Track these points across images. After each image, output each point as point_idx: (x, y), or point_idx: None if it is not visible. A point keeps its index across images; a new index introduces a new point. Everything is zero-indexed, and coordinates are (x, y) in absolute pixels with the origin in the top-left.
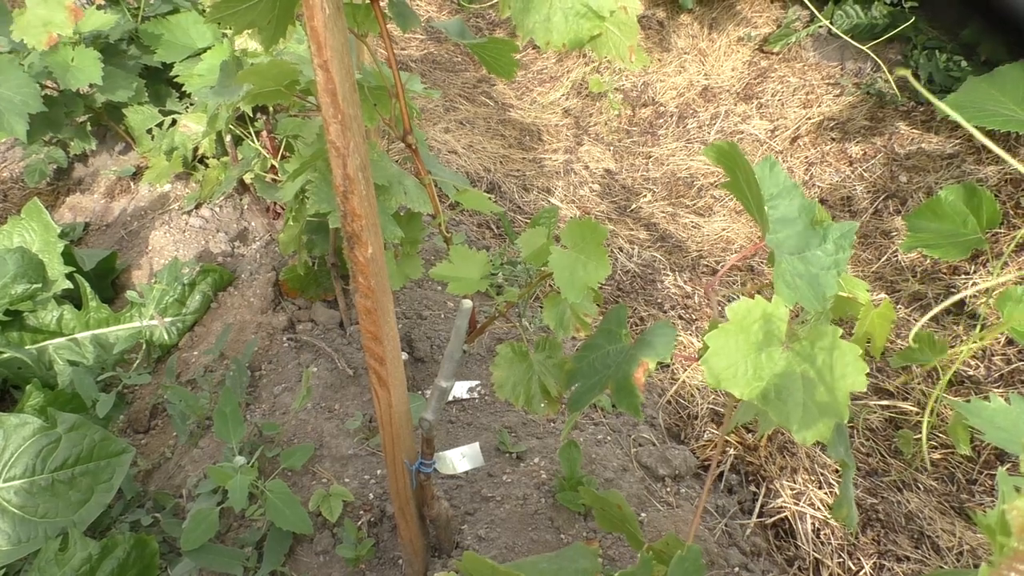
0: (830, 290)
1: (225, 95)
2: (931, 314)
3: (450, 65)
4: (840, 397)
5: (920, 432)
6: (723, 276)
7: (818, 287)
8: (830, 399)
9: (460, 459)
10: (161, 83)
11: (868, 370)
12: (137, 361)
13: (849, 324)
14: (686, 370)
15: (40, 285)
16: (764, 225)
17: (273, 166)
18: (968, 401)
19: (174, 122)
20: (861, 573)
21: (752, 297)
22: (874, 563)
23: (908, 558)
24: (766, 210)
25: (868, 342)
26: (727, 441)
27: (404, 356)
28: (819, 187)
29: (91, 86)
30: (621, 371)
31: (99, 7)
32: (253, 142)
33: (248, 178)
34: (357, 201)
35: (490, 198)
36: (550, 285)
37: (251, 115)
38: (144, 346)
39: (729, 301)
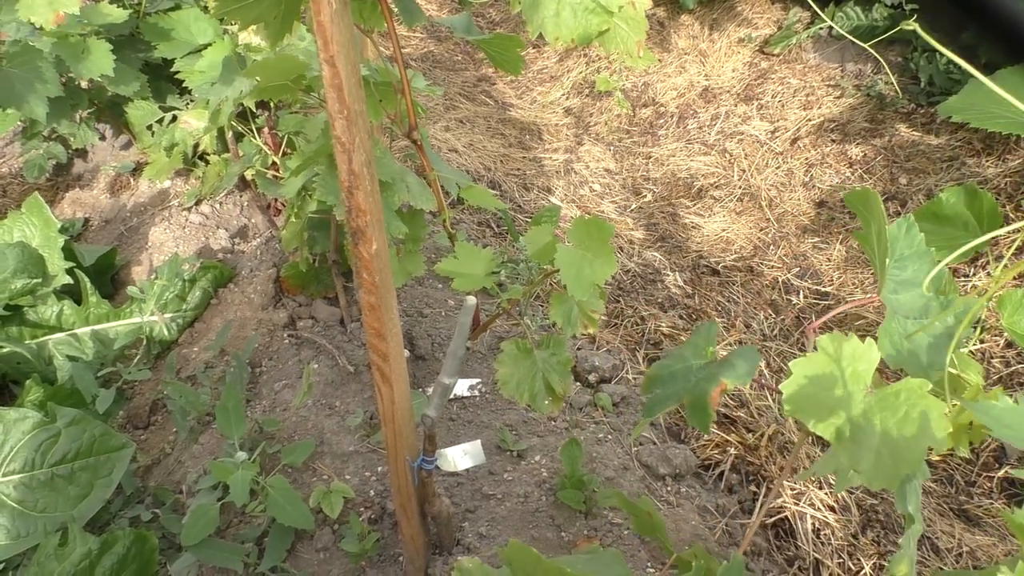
0: (940, 362)
1: (228, 90)
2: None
3: (450, 64)
4: (916, 450)
5: None
6: (711, 272)
7: (925, 356)
8: (905, 451)
9: (462, 456)
10: (162, 79)
11: (950, 429)
12: (137, 357)
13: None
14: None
15: (40, 280)
16: (881, 281)
17: (274, 162)
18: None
19: (174, 118)
20: (861, 573)
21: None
22: (874, 564)
23: None
24: (888, 266)
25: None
26: (727, 441)
27: (405, 353)
28: (819, 189)
29: (92, 81)
30: (699, 388)
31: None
32: (255, 138)
33: (249, 174)
34: (362, 197)
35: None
36: (553, 283)
37: (253, 112)
38: (144, 342)
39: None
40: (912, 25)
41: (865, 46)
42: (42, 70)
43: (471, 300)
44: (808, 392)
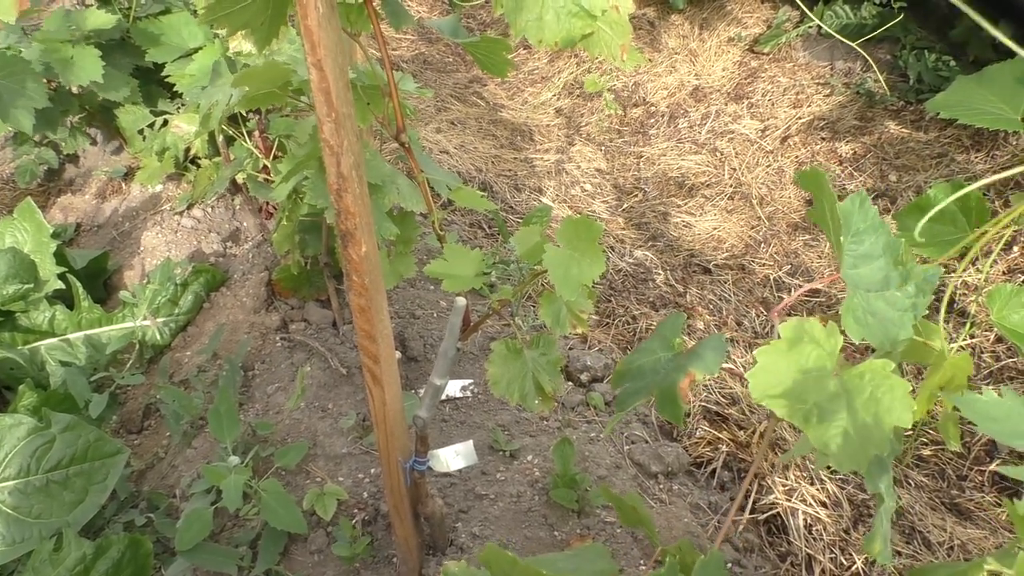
0: (904, 333)
1: (218, 94)
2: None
3: (441, 65)
4: (883, 430)
5: (910, 429)
6: (703, 271)
7: (891, 328)
8: (872, 431)
9: (454, 457)
10: (152, 83)
11: (915, 408)
12: (130, 361)
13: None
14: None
15: (32, 285)
16: (840, 257)
17: (266, 166)
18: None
19: (165, 122)
20: (853, 568)
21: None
22: (866, 558)
23: (899, 553)
24: (843, 242)
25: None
26: (719, 438)
27: (397, 355)
28: None
29: (82, 87)
30: (668, 379)
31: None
32: (245, 142)
33: (240, 178)
34: (351, 199)
35: (482, 197)
36: (544, 283)
37: (243, 115)
38: (137, 346)
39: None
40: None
41: (853, 45)
42: (28, 81)
43: (461, 301)
44: (774, 379)
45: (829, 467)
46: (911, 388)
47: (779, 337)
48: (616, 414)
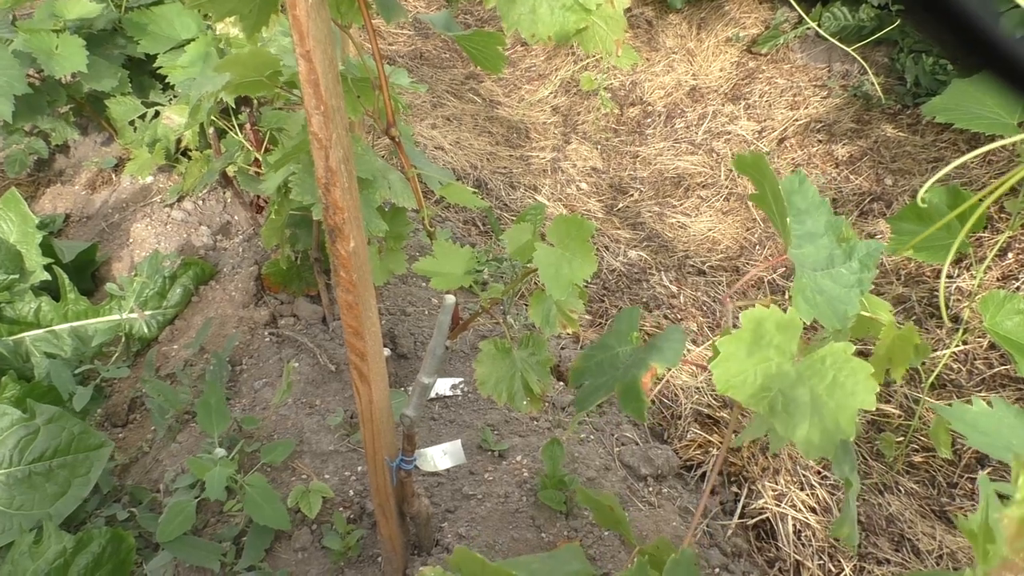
0: (852, 309)
1: (206, 85)
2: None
3: (438, 61)
4: (847, 414)
5: (902, 435)
6: (697, 272)
7: (839, 305)
8: (837, 416)
9: (441, 456)
10: (144, 74)
11: (878, 390)
12: (116, 354)
13: (865, 343)
14: (670, 369)
15: (17, 276)
16: (787, 239)
17: (257, 159)
18: (950, 404)
19: (157, 114)
20: (841, 575)
21: (767, 307)
22: (854, 565)
23: (888, 560)
24: (789, 224)
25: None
26: (709, 441)
27: (387, 352)
28: None
29: (73, 75)
30: (629, 374)
31: None
32: (236, 135)
33: (231, 171)
34: (339, 194)
35: (476, 194)
36: (535, 282)
37: (235, 108)
38: (123, 339)
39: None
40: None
41: (848, 50)
42: (7, 67)
43: (450, 299)
44: (737, 369)
45: (820, 473)
46: (872, 370)
47: (735, 326)
48: (576, 414)
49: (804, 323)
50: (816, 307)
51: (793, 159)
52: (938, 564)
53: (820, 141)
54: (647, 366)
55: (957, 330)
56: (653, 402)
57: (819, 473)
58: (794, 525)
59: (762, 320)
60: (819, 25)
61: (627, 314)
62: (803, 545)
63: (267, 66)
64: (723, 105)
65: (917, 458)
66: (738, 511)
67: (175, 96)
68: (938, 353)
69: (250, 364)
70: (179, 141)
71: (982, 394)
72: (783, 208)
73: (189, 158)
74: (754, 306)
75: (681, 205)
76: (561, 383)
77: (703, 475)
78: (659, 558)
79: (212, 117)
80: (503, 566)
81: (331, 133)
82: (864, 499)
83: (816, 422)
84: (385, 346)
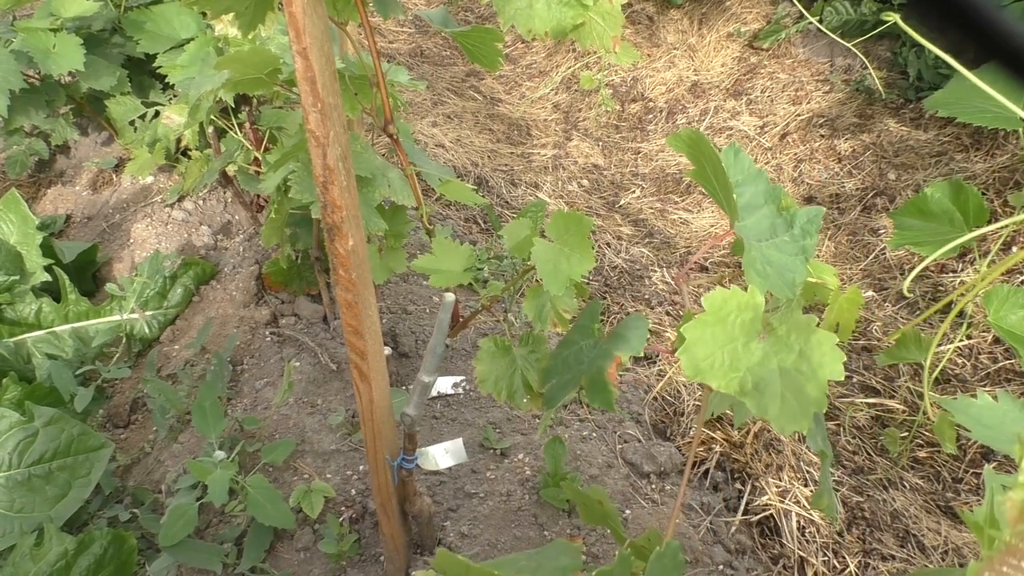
0: (799, 276)
1: (206, 84)
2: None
3: (438, 59)
4: (818, 386)
5: (907, 430)
6: (699, 268)
7: (787, 274)
8: (808, 389)
9: (443, 455)
10: (144, 74)
11: (845, 358)
12: (117, 355)
13: (819, 310)
14: (672, 366)
15: (18, 277)
16: (733, 213)
17: (256, 158)
18: (955, 399)
19: (157, 114)
20: (846, 571)
21: (727, 287)
22: (859, 561)
23: (893, 556)
24: (734, 197)
25: (837, 328)
26: (712, 438)
27: (388, 351)
28: (808, 184)
29: (72, 75)
30: (594, 366)
31: None
32: (236, 134)
33: (231, 170)
34: (337, 192)
35: (477, 191)
36: (534, 279)
37: (234, 107)
38: (124, 340)
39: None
40: (892, 17)
41: (849, 45)
42: (2, 63)
43: (450, 297)
44: (704, 353)
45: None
46: (836, 340)
47: (695, 300)
48: (546, 413)
49: (764, 298)
50: (767, 278)
51: (795, 154)
52: (943, 560)
53: (822, 136)
54: (611, 356)
55: (961, 325)
56: (656, 399)
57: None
58: (798, 521)
59: (724, 301)
60: (820, 20)
61: (589, 308)
62: (807, 541)
63: (266, 64)
64: (725, 101)
65: (922, 453)
66: (741, 508)
67: (175, 96)
68: (942, 348)
69: (251, 364)
70: (179, 141)
71: (986, 389)
72: (726, 182)
73: (189, 158)
74: (714, 288)
75: (683, 201)
76: None
77: (706, 472)
78: (650, 550)
79: (212, 116)
80: (486, 567)
81: (328, 131)
82: (869, 495)
83: (788, 397)
84: (386, 345)
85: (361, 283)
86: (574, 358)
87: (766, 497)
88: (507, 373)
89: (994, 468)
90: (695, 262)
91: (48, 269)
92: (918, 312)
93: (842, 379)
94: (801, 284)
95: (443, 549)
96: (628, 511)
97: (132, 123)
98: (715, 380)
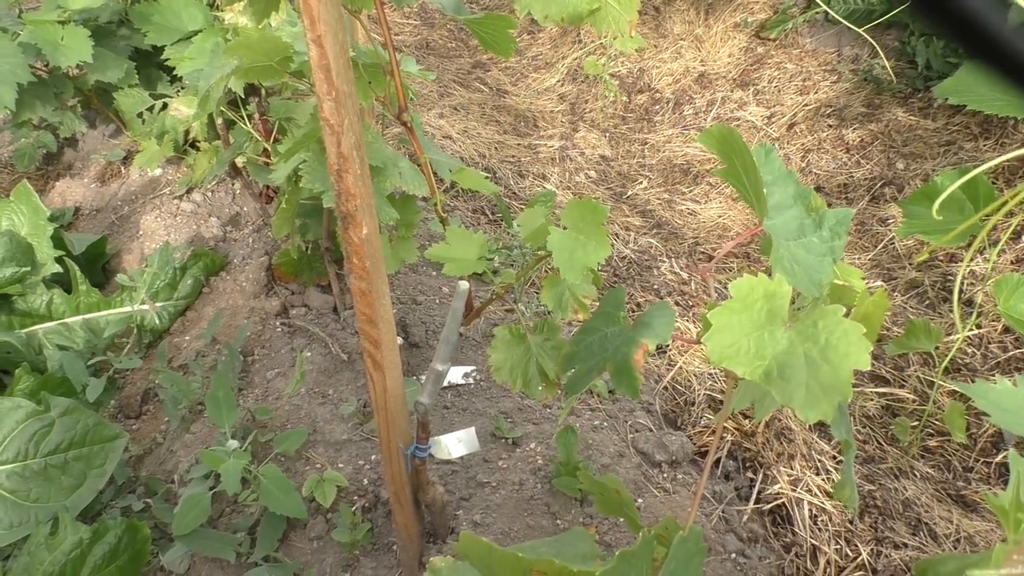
0: (826, 277)
1: (215, 74)
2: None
3: (444, 51)
4: (843, 376)
5: (917, 419)
6: (720, 263)
7: (814, 274)
8: (833, 378)
9: (456, 444)
10: (152, 66)
11: (872, 348)
12: (128, 346)
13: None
14: (683, 355)
15: (29, 269)
16: (763, 211)
17: (266, 149)
18: (973, 384)
19: (165, 106)
20: (858, 559)
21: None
22: (871, 549)
23: (906, 544)
24: (764, 193)
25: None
26: (724, 427)
27: (399, 341)
28: (816, 174)
29: (79, 68)
30: (620, 353)
31: None
32: (245, 125)
33: (240, 161)
34: (352, 180)
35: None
36: (547, 268)
37: (243, 98)
38: (135, 331)
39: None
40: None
41: (859, 31)
42: (9, 56)
43: (464, 285)
44: (730, 340)
45: (835, 457)
46: (864, 330)
47: (715, 292)
48: (568, 400)
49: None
50: (794, 276)
51: (803, 144)
52: (955, 548)
53: (830, 126)
54: (638, 343)
55: (971, 314)
56: (666, 388)
57: (834, 458)
58: (810, 510)
59: (751, 289)
60: (828, 9)
61: (612, 295)
62: (819, 530)
63: (277, 51)
64: (732, 91)
65: (932, 442)
66: (753, 496)
67: (183, 88)
68: (952, 337)
69: (262, 354)
70: (187, 133)
71: (996, 378)
72: (757, 180)
73: (198, 149)
74: (741, 276)
75: (691, 192)
76: None
77: (718, 460)
78: (667, 538)
79: (221, 108)
80: (511, 549)
81: (343, 119)
82: (880, 484)
83: (813, 386)
84: (396, 335)
85: (375, 271)
86: (598, 345)
87: (778, 486)
88: (522, 361)
89: (1016, 447)
90: (726, 253)
91: (59, 261)
92: (927, 302)
93: (868, 369)
94: (828, 284)
95: (467, 532)
96: (640, 500)
97: (140, 115)
98: (740, 367)
